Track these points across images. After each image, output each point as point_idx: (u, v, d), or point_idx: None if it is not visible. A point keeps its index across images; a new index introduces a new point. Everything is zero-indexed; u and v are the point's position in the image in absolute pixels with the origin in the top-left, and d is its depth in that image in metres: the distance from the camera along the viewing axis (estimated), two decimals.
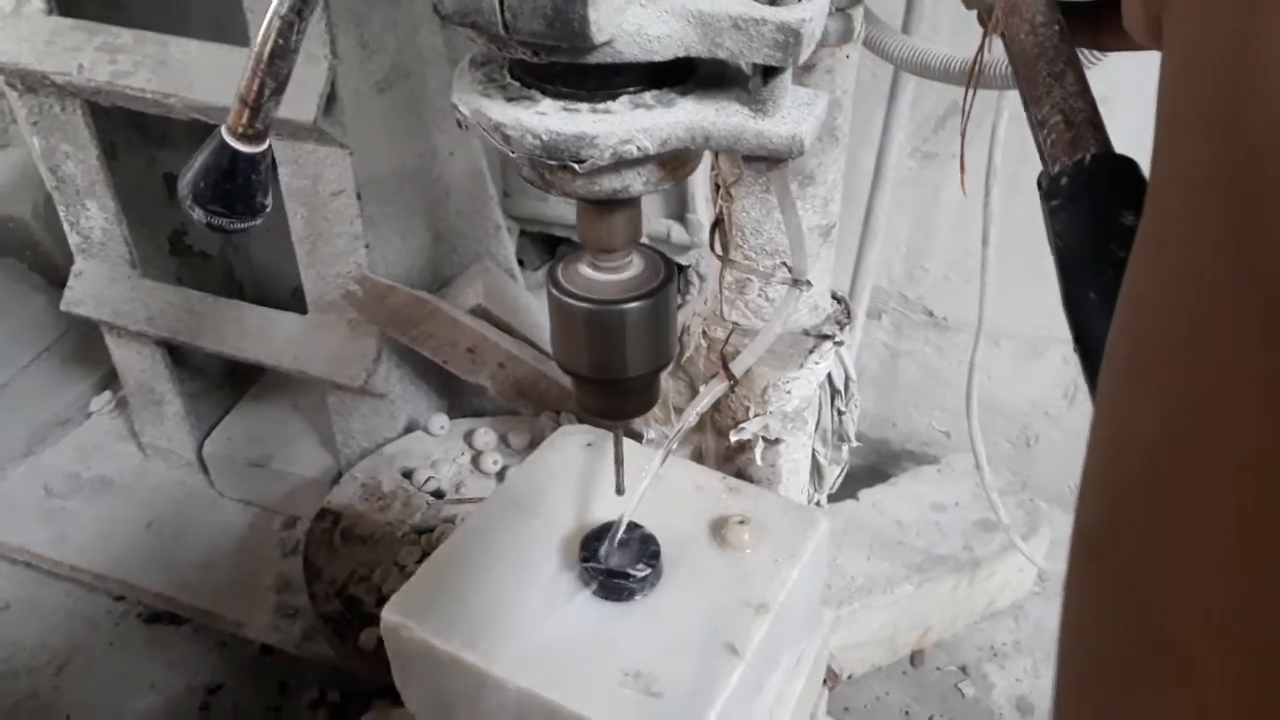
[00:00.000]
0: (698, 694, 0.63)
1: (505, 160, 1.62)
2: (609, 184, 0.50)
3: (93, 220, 1.39)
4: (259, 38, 0.49)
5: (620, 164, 0.48)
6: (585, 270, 0.57)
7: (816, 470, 0.99)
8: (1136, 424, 0.21)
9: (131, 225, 1.40)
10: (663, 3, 0.43)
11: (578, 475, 0.81)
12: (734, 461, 0.92)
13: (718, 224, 0.81)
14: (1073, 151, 0.36)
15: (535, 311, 1.42)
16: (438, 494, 1.37)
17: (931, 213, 1.47)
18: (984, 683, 1.34)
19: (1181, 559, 0.19)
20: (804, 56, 0.43)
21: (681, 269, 1.58)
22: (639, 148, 0.46)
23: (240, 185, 0.52)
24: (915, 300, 1.56)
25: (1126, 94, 1.12)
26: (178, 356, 1.52)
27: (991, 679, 1.35)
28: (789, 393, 0.84)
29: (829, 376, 0.90)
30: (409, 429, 1.46)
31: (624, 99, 0.47)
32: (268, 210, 0.54)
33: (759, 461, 0.89)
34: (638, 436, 0.99)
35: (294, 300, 1.47)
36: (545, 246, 1.81)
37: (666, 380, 0.92)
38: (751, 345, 0.74)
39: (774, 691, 0.76)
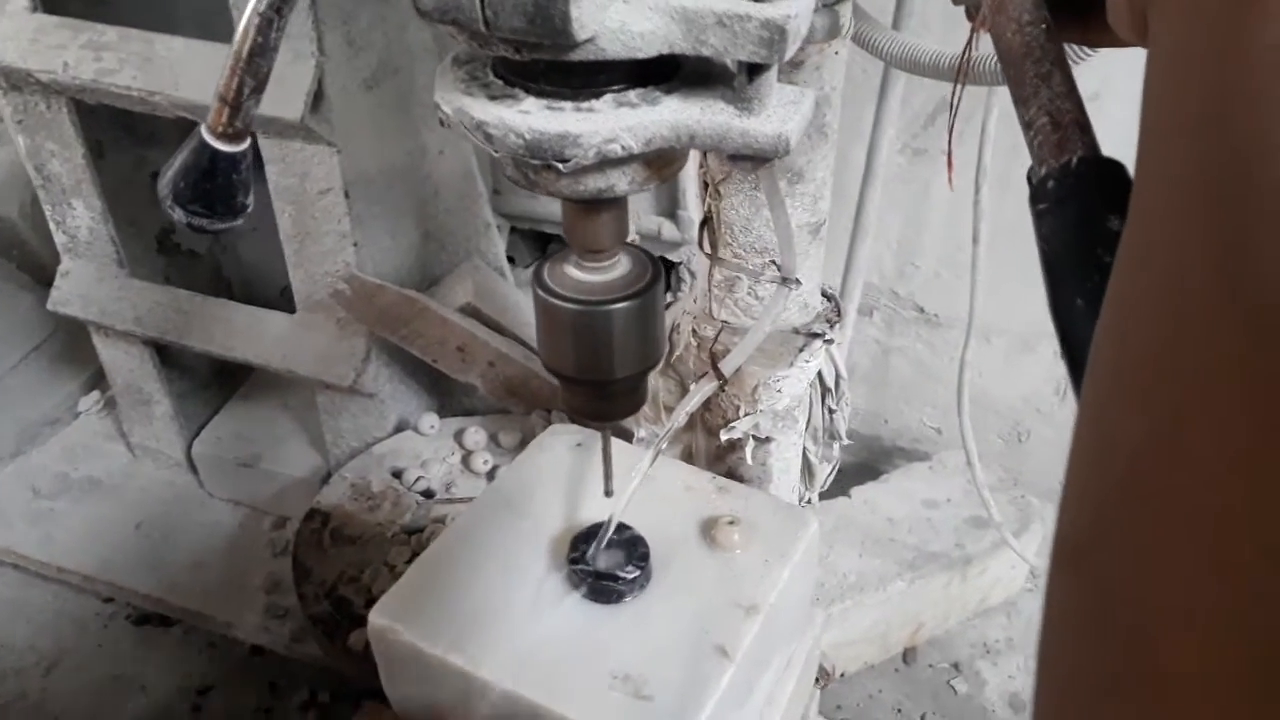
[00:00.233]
0: (688, 697, 0.63)
1: (494, 158, 1.62)
2: (594, 183, 0.49)
3: (79, 219, 1.38)
4: (238, 36, 0.48)
5: (605, 163, 0.47)
6: (571, 270, 0.56)
7: (807, 468, 0.98)
8: (1120, 429, 0.21)
9: (119, 224, 1.39)
10: None
11: (567, 475, 0.80)
12: (724, 460, 0.91)
13: (706, 222, 0.80)
14: (1059, 154, 0.36)
15: (525, 310, 1.41)
16: (428, 494, 1.36)
17: (922, 209, 1.46)
18: (976, 680, 1.34)
19: (1165, 563, 0.18)
20: (789, 54, 0.42)
21: (672, 266, 1.57)
22: (623, 147, 0.46)
23: (220, 185, 0.51)
24: (906, 297, 1.56)
25: (1117, 90, 1.11)
26: (166, 356, 1.51)
27: (984, 676, 1.34)
28: (779, 391, 0.83)
29: (819, 374, 0.90)
30: (399, 428, 1.45)
31: (608, 97, 0.46)
32: (249, 210, 0.53)
33: (749, 460, 0.89)
34: (627, 435, 0.98)
35: (282, 299, 1.46)
36: (536, 244, 1.81)
37: (656, 379, 0.91)
38: (741, 344, 0.73)
39: (764, 693, 0.75)
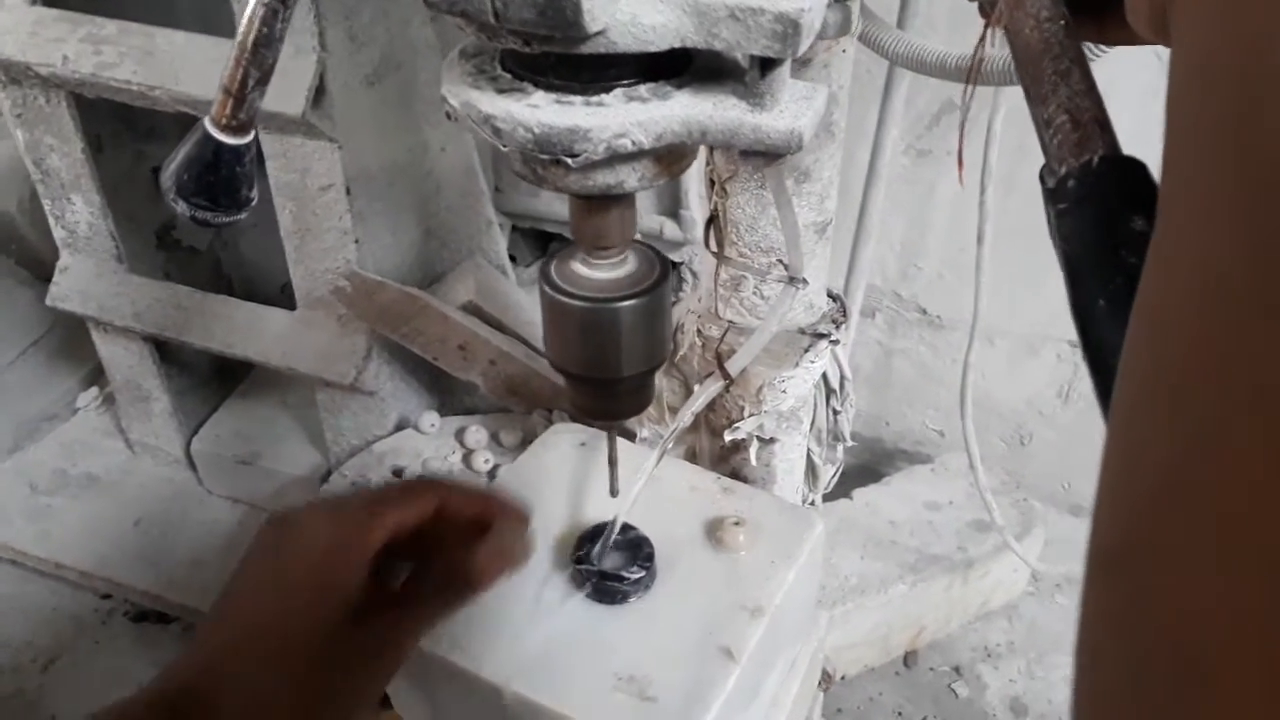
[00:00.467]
0: (693, 699, 0.62)
1: (497, 155, 1.62)
2: (603, 179, 0.48)
3: (78, 214, 1.38)
4: (242, 26, 0.47)
5: (614, 158, 0.47)
6: (578, 267, 0.56)
7: (811, 470, 0.98)
8: (1159, 436, 0.20)
9: (118, 219, 1.39)
10: None
11: (570, 475, 0.79)
12: (728, 461, 0.91)
13: (712, 220, 0.80)
14: (1079, 153, 0.35)
15: (527, 308, 1.40)
16: None
17: (926, 210, 1.46)
18: (977, 683, 1.34)
19: (1207, 571, 0.18)
20: (803, 48, 0.42)
21: (674, 266, 1.57)
22: (633, 142, 0.45)
23: (224, 178, 0.50)
24: (909, 299, 1.56)
25: (1120, 90, 1.11)
26: (165, 352, 1.50)
27: (985, 680, 1.34)
28: (784, 392, 0.83)
29: (824, 375, 0.89)
30: (399, 427, 1.44)
31: (618, 92, 0.46)
32: (253, 203, 0.52)
33: (754, 461, 0.89)
34: (630, 436, 0.98)
35: (283, 296, 1.45)
36: (537, 243, 1.80)
37: (660, 379, 0.91)
38: (747, 344, 0.73)
39: (769, 695, 0.75)
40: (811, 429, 0.93)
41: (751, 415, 0.85)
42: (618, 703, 0.62)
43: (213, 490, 1.58)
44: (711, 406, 0.86)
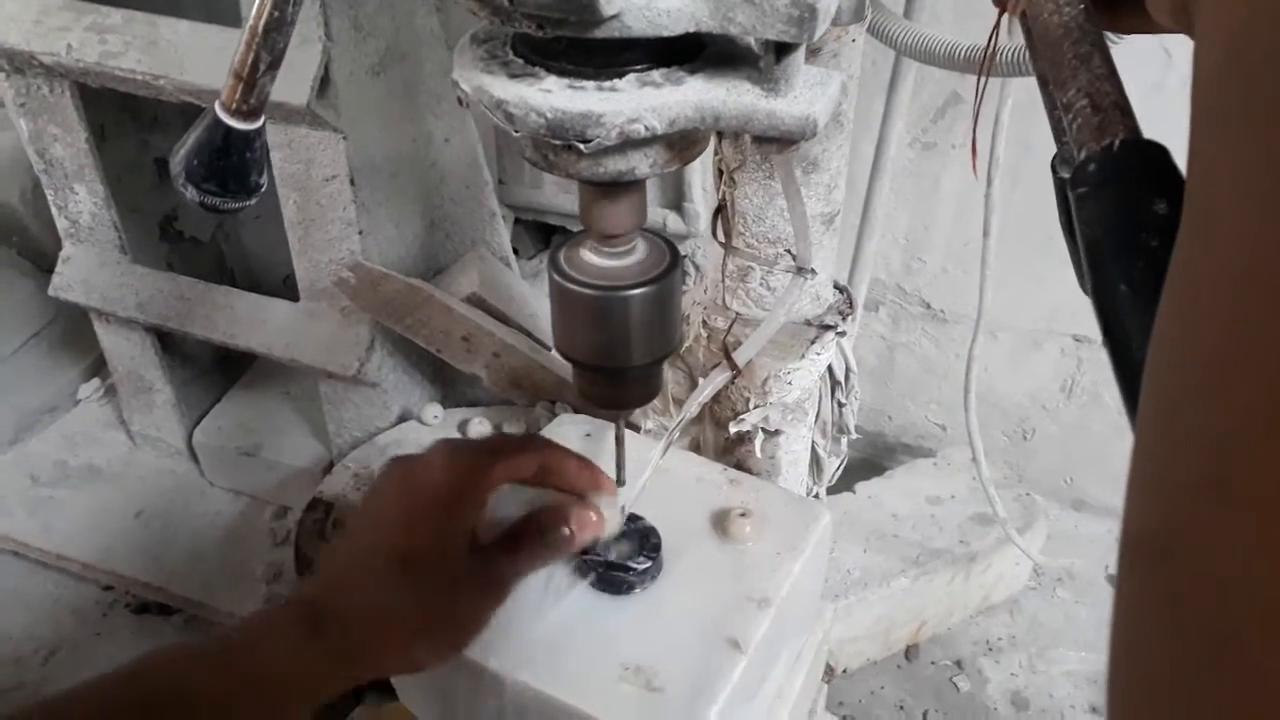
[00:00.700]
0: (700, 689, 0.62)
1: (501, 147, 1.61)
2: (614, 165, 0.48)
3: (81, 204, 1.37)
4: (254, 9, 0.47)
5: (626, 145, 0.47)
6: (588, 255, 0.55)
7: (816, 462, 0.97)
8: (1199, 425, 0.20)
9: (121, 210, 1.38)
10: None
11: None
12: (733, 453, 0.90)
13: (720, 210, 0.79)
14: (1100, 137, 0.35)
15: (530, 300, 1.40)
16: None
17: (930, 204, 1.46)
18: (979, 677, 1.34)
19: (1252, 561, 0.18)
20: (819, 33, 0.41)
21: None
22: (647, 127, 0.45)
23: (234, 163, 0.50)
24: (913, 292, 1.55)
25: (1128, 86, 1.11)
26: (168, 343, 1.50)
27: (986, 673, 1.34)
28: (790, 384, 0.83)
29: (829, 368, 0.89)
30: (402, 418, 1.44)
31: (631, 77, 0.45)
32: (262, 189, 0.52)
33: (758, 453, 0.88)
34: (635, 427, 0.97)
35: (286, 287, 1.45)
36: (540, 235, 1.80)
37: (665, 370, 0.91)
38: (755, 335, 0.73)
39: (775, 686, 0.75)
40: (816, 421, 0.93)
41: (757, 407, 0.84)
42: (624, 693, 0.62)
43: (215, 482, 1.58)
44: (716, 398, 0.86)
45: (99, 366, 1.72)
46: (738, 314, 0.83)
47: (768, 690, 0.73)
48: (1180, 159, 0.28)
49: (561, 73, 0.46)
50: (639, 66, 0.45)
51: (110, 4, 1.19)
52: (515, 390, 1.35)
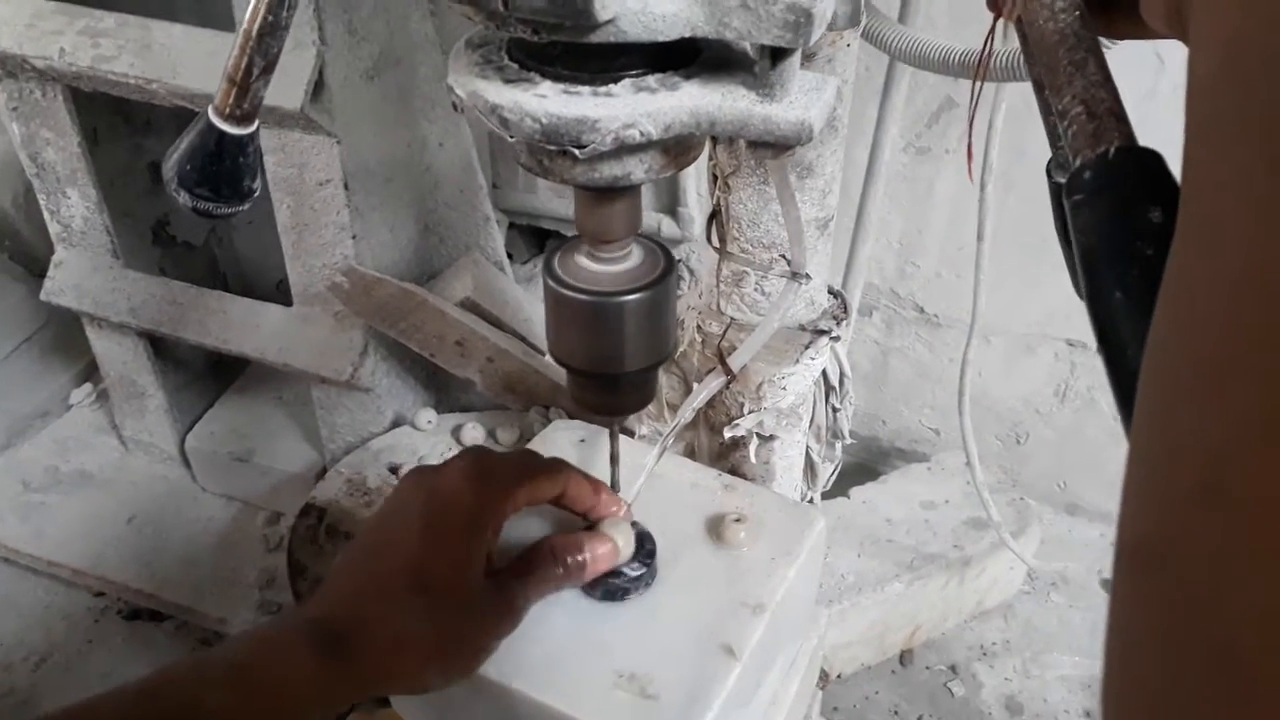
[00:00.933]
0: (694, 696, 0.62)
1: (495, 152, 1.61)
2: (609, 171, 0.48)
3: (73, 209, 1.37)
4: (248, 13, 0.47)
5: (622, 150, 0.46)
6: (583, 260, 0.55)
7: (810, 467, 0.97)
8: (1196, 431, 0.20)
9: (114, 214, 1.38)
10: None
11: None
12: (727, 459, 0.90)
13: (714, 215, 0.79)
14: (1095, 144, 0.35)
15: (525, 305, 1.40)
16: None
17: (924, 209, 1.46)
18: (973, 682, 1.33)
19: (1248, 569, 0.18)
20: (815, 38, 0.41)
21: None
22: (642, 132, 0.45)
23: (228, 168, 0.50)
24: (906, 297, 1.56)
25: (1121, 93, 1.11)
26: (160, 348, 1.49)
27: (980, 678, 1.34)
28: (784, 389, 0.83)
29: (824, 373, 0.89)
30: (395, 423, 1.44)
31: (626, 82, 0.45)
32: (255, 195, 0.52)
33: (752, 459, 0.88)
34: (629, 433, 0.97)
35: (279, 292, 1.44)
36: (534, 239, 1.80)
37: (660, 376, 0.90)
38: (750, 339, 0.73)
39: (769, 693, 0.75)
40: (811, 426, 0.93)
41: (751, 412, 0.84)
42: (618, 700, 0.62)
43: (207, 487, 1.57)
44: (711, 403, 0.85)
45: (91, 371, 1.71)
46: (732, 319, 0.83)
47: (762, 696, 0.73)
48: (1174, 166, 0.28)
49: (556, 78, 0.45)
50: (634, 72, 0.45)
51: (103, 7, 1.18)
52: (509, 395, 1.34)
